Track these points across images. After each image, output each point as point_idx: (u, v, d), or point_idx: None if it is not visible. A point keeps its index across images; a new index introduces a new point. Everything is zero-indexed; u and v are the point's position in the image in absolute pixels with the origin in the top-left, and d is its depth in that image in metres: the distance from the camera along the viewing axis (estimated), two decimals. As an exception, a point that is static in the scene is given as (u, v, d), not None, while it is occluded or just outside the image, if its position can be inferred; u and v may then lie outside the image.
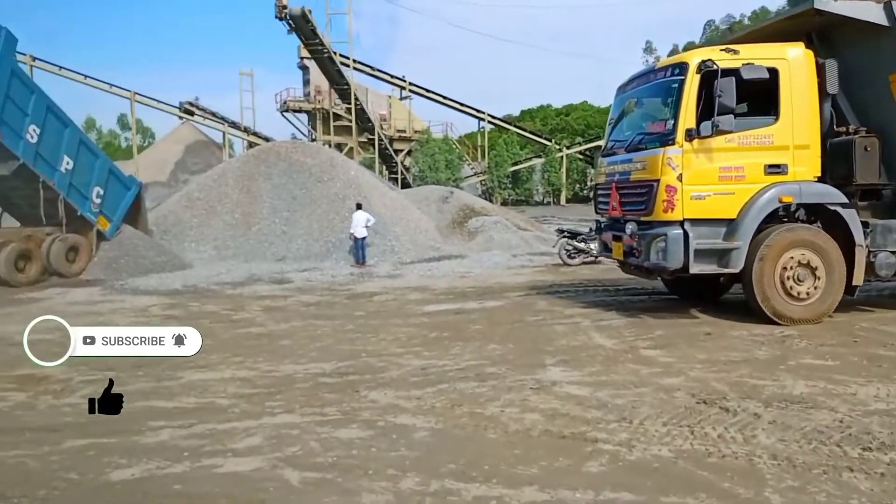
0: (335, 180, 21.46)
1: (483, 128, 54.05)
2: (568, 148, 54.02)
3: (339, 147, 43.33)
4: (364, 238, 18.25)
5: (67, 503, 4.40)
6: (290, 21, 39.01)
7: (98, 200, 16.57)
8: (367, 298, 12.90)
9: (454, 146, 51.28)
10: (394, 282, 15.25)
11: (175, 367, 7.70)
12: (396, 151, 48.65)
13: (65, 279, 15.45)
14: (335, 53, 42.27)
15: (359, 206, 18.78)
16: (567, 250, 17.32)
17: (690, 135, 8.74)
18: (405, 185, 41.71)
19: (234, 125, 48.10)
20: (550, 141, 54.41)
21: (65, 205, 15.85)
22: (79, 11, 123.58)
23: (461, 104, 50.74)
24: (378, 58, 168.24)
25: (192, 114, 47.61)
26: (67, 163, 15.81)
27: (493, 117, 53.76)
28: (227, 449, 5.22)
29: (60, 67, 38.93)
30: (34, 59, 36.85)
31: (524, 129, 56.44)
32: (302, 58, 47.24)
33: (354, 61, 44.55)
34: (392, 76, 48.81)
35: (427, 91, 49.35)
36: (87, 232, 16.48)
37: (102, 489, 4.58)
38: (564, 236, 17.65)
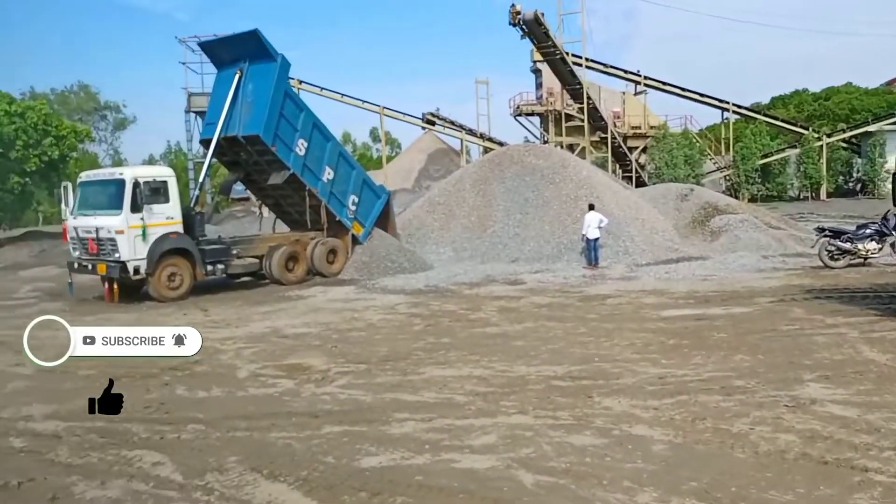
0: (567, 181, 21.39)
1: (727, 119, 50.48)
2: (828, 136, 48.33)
3: (571, 148, 43.16)
4: (597, 239, 17.95)
5: (324, 485, 4.86)
6: (524, 26, 39.72)
7: (353, 207, 18.11)
8: (600, 301, 12.67)
9: (694, 140, 48.52)
10: (628, 284, 14.81)
11: (418, 363, 8.21)
12: (631, 149, 47.28)
13: (325, 279, 17.16)
14: (567, 54, 42.22)
15: (591, 207, 18.52)
16: (829, 251, 15.53)
17: None
18: (640, 184, 40.32)
19: (471, 132, 50.10)
20: (807, 129, 49.12)
21: (326, 211, 17.56)
22: (335, 37, 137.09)
23: (701, 95, 47.88)
24: (612, 54, 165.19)
25: (433, 124, 50.41)
26: (329, 173, 17.49)
27: (739, 107, 49.93)
28: (464, 445, 5.44)
29: (322, 88, 43.45)
30: (301, 82, 41.47)
31: (775, 118, 51.59)
32: (535, 61, 47.82)
33: (587, 60, 44.11)
34: (626, 72, 47.51)
35: (664, 84, 47.30)
36: (344, 236, 18.12)
37: (354, 474, 5.00)
38: (826, 235, 15.84)
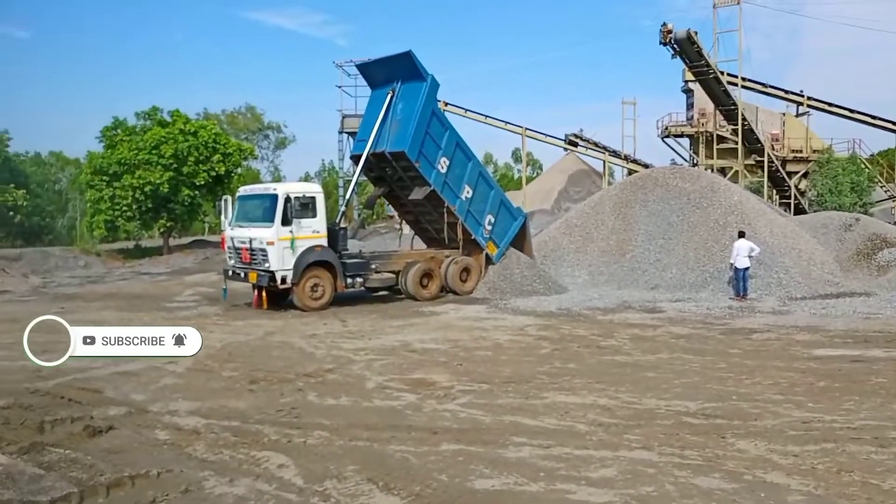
0: (715, 206, 20.34)
1: (902, 143, 46.03)
2: None
3: (722, 171, 41.01)
4: (746, 269, 16.86)
5: (435, 502, 4.86)
6: (675, 45, 38.43)
7: (489, 227, 18.23)
8: (745, 335, 11.87)
9: (863, 166, 44.60)
10: (779, 319, 13.79)
11: (541, 387, 8.06)
12: (790, 174, 44.16)
13: (458, 296, 17.34)
14: (722, 73, 40.32)
15: (741, 234, 17.46)
16: None
17: None
18: (799, 211, 37.53)
19: (614, 153, 49.02)
20: None
21: (462, 229, 17.82)
22: (481, 60, 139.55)
23: (872, 117, 43.97)
24: (773, 73, 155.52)
25: (575, 145, 49.85)
26: (467, 192, 17.76)
27: (917, 130, 45.37)
28: (580, 476, 5.25)
29: (466, 110, 44.22)
30: (446, 104, 42.45)
31: (960, 143, 46.41)
32: (686, 81, 46.03)
33: (743, 79, 41.85)
34: (787, 92, 44.55)
35: (829, 105, 43.88)
36: (478, 255, 18.30)
37: (466, 495, 4.96)
38: None
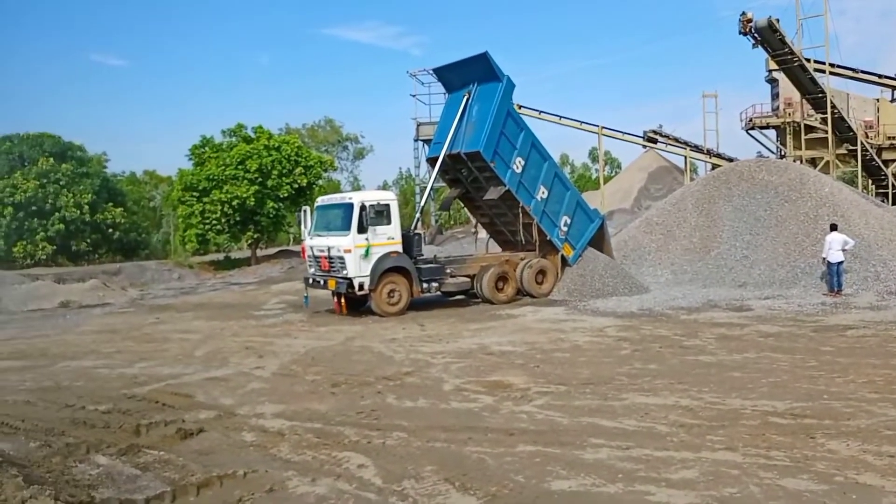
0: (805, 199, 19.46)
1: None
2: None
3: (812, 162, 39.17)
4: (840, 263, 16.04)
5: (512, 503, 4.86)
6: (756, 34, 37.00)
7: (565, 228, 18.05)
8: (839, 332, 11.30)
9: (968, 151, 41.64)
10: (876, 314, 13.05)
11: (620, 389, 7.93)
12: (886, 162, 41.69)
13: (535, 299, 17.23)
14: (807, 60, 38.53)
15: (833, 227, 16.62)
16: None
17: None
18: (899, 202, 35.42)
19: (696, 148, 47.59)
20: None
21: (537, 230, 17.70)
22: (554, 62, 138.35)
23: (978, 99, 41.12)
24: (864, 58, 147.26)
25: (655, 142, 48.68)
26: (543, 192, 17.64)
27: None
28: (660, 478, 5.14)
29: (540, 112, 43.93)
30: (520, 106, 42.26)
31: None
32: (770, 70, 44.24)
33: (831, 65, 39.86)
34: (880, 76, 42.14)
35: (930, 87, 41.33)
36: (554, 257, 18.14)
37: (542, 496, 4.94)
38: None
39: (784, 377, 8.15)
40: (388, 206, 16.12)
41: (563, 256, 18.09)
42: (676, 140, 48.24)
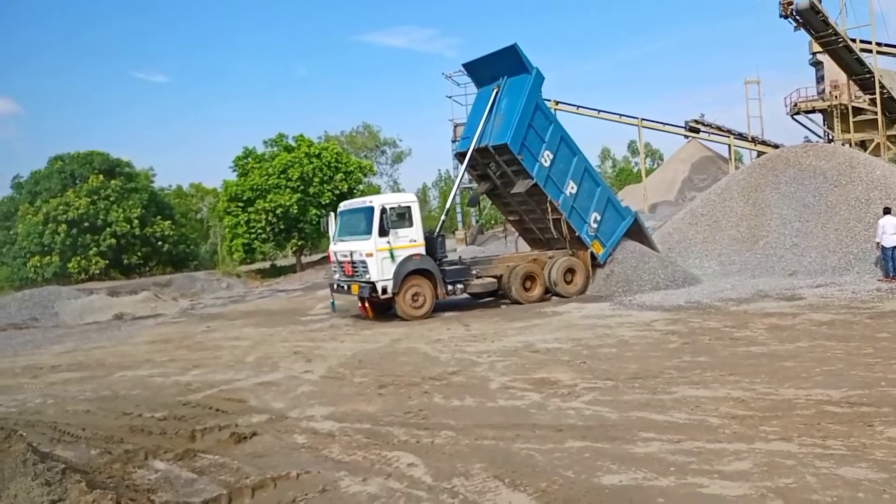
0: (855, 183, 18.90)
1: None
2: None
3: (861, 145, 38.04)
4: (894, 248, 15.55)
5: (562, 498, 4.85)
6: (797, 17, 36.10)
7: (595, 225, 17.62)
8: (897, 318, 10.96)
9: None
10: (936, 298, 12.62)
11: (670, 382, 7.83)
12: (942, 141, 40.32)
13: (581, 295, 17.05)
14: (853, 41, 37.42)
15: (887, 211, 16.11)
16: None
17: None
18: (957, 181, 34.10)
19: (740, 136, 46.63)
20: None
21: (566, 226, 17.38)
22: (590, 56, 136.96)
23: None
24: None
25: (697, 131, 47.83)
26: (572, 187, 17.31)
27: None
28: (713, 470, 5.07)
29: (578, 107, 43.58)
30: (557, 102, 42.08)
31: None
32: (813, 53, 43.16)
33: (878, 45, 38.65)
34: (932, 53, 40.83)
35: None
36: (584, 255, 17.70)
37: (593, 490, 4.92)
38: None
39: (839, 365, 7.94)
40: (409, 208, 15.96)
41: (592, 254, 17.68)
42: (719, 128, 47.36)
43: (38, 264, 36.88)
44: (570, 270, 17.40)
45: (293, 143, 38.84)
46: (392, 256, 15.48)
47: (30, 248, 37.32)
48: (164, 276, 36.03)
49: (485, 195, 19.68)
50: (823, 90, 43.56)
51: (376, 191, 61.59)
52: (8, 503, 4.83)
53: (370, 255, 15.45)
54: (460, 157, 18.60)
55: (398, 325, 15.06)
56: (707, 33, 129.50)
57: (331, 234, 17.40)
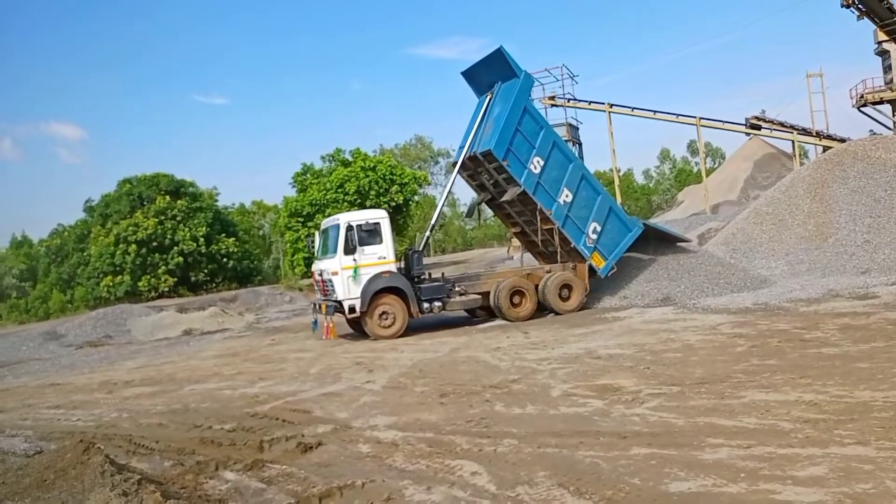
0: (931, 175, 18.07)
1: None
2: None
3: (937, 134, 36.29)
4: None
5: (628, 505, 4.78)
6: (860, 5, 34.79)
7: (594, 236, 16.68)
8: (982, 315, 10.40)
9: None
10: None
11: (738, 386, 7.62)
12: None
13: (642, 301, 16.69)
14: (923, 26, 35.84)
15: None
16: None
17: None
18: None
19: (804, 132, 45.08)
20: None
21: (560, 237, 16.64)
22: (645, 57, 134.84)
23: None
24: None
25: (758, 128, 46.44)
26: (566, 195, 16.43)
27: None
28: (786, 475, 4.91)
29: (633, 109, 42.95)
30: (611, 105, 41.60)
31: None
32: (879, 42, 41.44)
33: (951, 29, 36.88)
34: None
35: None
36: (581, 268, 16.80)
37: (660, 498, 4.82)
38: None
39: (920, 366, 7.59)
40: (377, 224, 15.66)
41: (591, 267, 16.82)
42: (782, 125, 45.88)
43: (111, 284, 38.38)
44: (567, 286, 16.61)
45: (349, 158, 39.46)
46: (356, 274, 15.17)
47: (102, 268, 38.86)
48: (229, 291, 36.97)
49: (485, 205, 19.01)
50: (891, 80, 41.79)
51: (431, 201, 61.98)
52: (89, 513, 5.03)
53: (335, 273, 15.27)
54: (454, 167, 18.19)
55: (458, 333, 15.10)
56: (764, 27, 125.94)
57: (315, 252, 17.25)
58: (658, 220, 36.31)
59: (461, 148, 17.82)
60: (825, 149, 37.89)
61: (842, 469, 4.87)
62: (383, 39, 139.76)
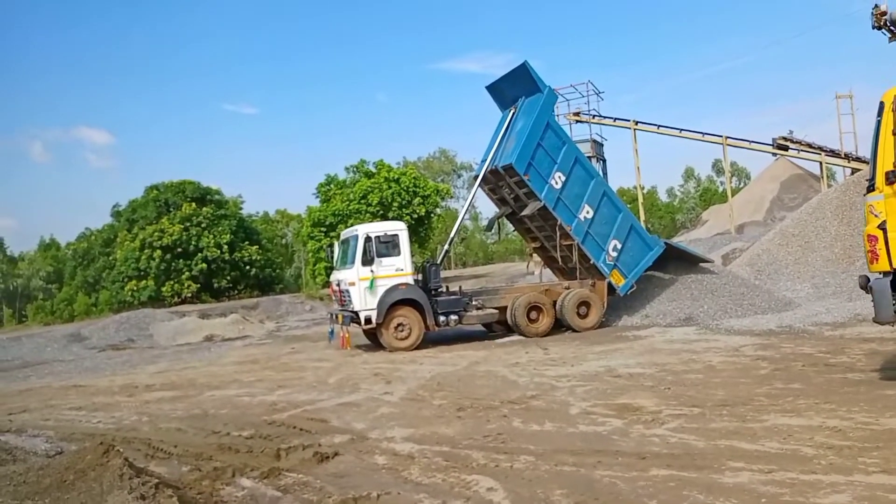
0: (963, 200, 17.72)
1: None
2: None
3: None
4: None
5: (646, 527, 4.71)
6: (893, 27, 34.38)
7: (614, 254, 16.65)
8: None
9: None
10: None
11: (760, 410, 7.51)
12: None
13: (664, 320, 16.55)
14: (958, 49, 35.35)
15: None
16: None
17: (889, 178, 7.56)
18: None
19: (832, 153, 44.52)
20: None
21: (579, 254, 16.56)
22: (673, 75, 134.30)
23: None
24: None
25: (785, 149, 45.90)
26: (587, 211, 16.41)
27: None
28: (808, 502, 4.83)
29: (658, 126, 42.72)
30: (636, 122, 41.44)
31: None
32: (912, 64, 41.06)
33: None
34: None
35: None
36: (600, 286, 16.74)
37: (678, 520, 4.75)
38: None
39: (949, 394, 7.42)
40: (396, 236, 15.73)
41: (611, 285, 16.73)
42: (810, 145, 45.38)
43: (135, 288, 38.86)
44: (585, 304, 16.50)
45: (373, 169, 39.70)
46: (373, 285, 15.19)
47: (127, 272, 39.38)
48: (251, 299, 37.25)
49: (506, 219, 19.01)
50: (923, 102, 41.20)
51: (453, 214, 62.04)
52: (106, 515, 5.07)
53: (352, 284, 15.32)
54: (475, 180, 18.22)
55: (476, 347, 15.06)
56: (793, 47, 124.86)
57: (334, 262, 17.34)
58: (682, 240, 36.04)
59: (483, 161, 17.85)
60: (853, 171, 37.41)
61: (866, 498, 4.77)
62: (411, 53, 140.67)
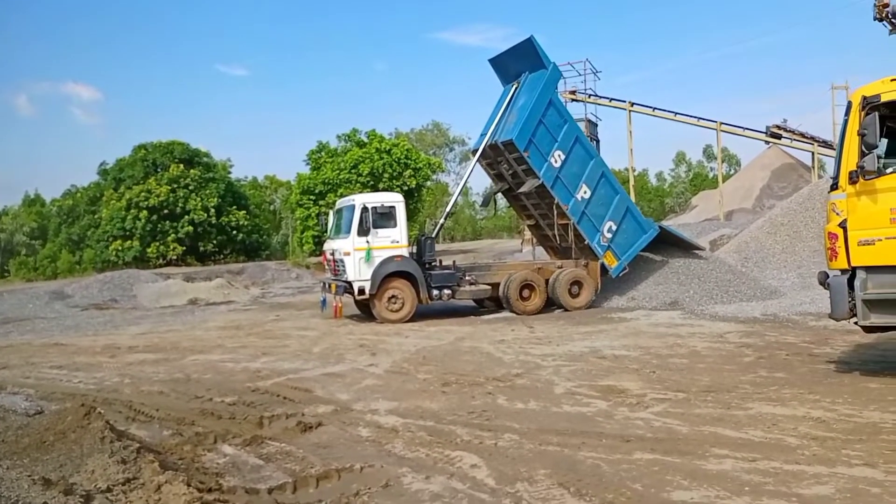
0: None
1: None
2: None
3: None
4: None
5: (636, 511, 4.71)
6: (894, 19, 34.28)
7: (609, 235, 16.63)
8: None
9: None
10: None
11: (744, 398, 7.54)
12: None
13: (650, 302, 16.62)
14: (955, 45, 35.32)
15: None
16: None
17: (853, 177, 7.68)
18: None
19: (824, 144, 44.61)
20: None
21: (575, 234, 16.58)
22: (671, 57, 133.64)
23: None
24: None
25: (778, 137, 45.98)
26: (584, 192, 16.38)
27: None
28: (791, 492, 4.83)
29: (654, 109, 42.54)
30: (632, 104, 41.24)
31: None
32: (910, 58, 41.04)
33: (984, 50, 36.38)
34: None
35: None
36: (593, 266, 16.75)
37: (662, 506, 4.76)
38: None
39: (931, 389, 7.48)
40: (393, 207, 15.63)
41: (603, 266, 16.76)
42: (803, 135, 45.44)
43: (120, 248, 38.52)
44: (577, 283, 16.54)
45: (365, 139, 39.35)
46: (369, 256, 15.14)
47: (112, 232, 39.02)
48: (237, 264, 37.05)
49: (501, 195, 18.96)
50: (918, 97, 41.29)
51: (444, 188, 61.82)
52: (86, 477, 5.00)
53: (347, 253, 15.26)
54: (475, 154, 18.05)
55: (462, 323, 15.05)
56: (792, 35, 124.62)
57: (327, 231, 17.24)
58: (671, 223, 36.10)
59: (482, 135, 17.68)
60: (845, 163, 37.48)
61: (849, 490, 4.78)
62: (411, 21, 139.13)
